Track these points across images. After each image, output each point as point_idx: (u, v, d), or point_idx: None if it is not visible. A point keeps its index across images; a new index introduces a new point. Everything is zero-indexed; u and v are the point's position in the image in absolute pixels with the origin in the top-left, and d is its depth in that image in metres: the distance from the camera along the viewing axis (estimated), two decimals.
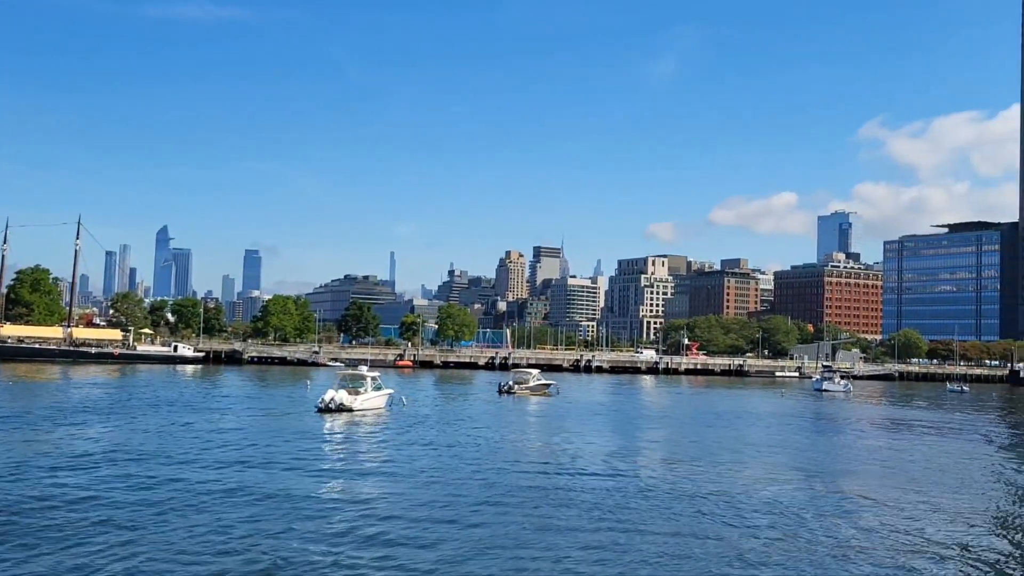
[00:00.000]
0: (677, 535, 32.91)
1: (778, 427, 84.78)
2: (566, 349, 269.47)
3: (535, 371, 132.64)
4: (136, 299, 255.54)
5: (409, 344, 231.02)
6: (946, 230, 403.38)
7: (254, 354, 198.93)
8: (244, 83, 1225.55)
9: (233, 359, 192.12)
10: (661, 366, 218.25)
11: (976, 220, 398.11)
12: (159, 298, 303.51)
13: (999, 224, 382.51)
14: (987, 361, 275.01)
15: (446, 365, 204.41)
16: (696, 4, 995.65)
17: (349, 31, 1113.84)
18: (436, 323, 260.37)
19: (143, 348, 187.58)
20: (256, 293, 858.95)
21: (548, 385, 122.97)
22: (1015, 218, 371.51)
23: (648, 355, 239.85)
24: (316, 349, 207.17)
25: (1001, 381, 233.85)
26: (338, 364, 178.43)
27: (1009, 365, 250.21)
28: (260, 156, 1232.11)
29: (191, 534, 30.48)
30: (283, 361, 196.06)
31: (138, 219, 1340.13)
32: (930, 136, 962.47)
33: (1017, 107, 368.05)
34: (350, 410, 77.26)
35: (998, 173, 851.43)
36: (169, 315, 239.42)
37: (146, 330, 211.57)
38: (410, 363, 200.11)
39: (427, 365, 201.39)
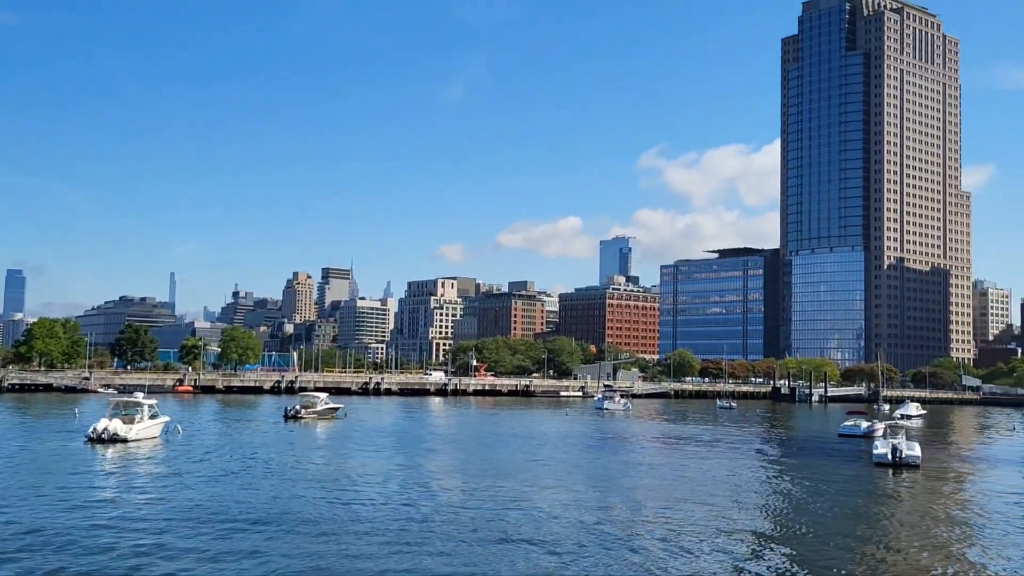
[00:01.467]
0: (463, 556, 33.20)
1: (563, 446, 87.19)
2: (355, 372, 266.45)
3: (323, 395, 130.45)
4: None
5: (189, 368, 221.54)
6: (716, 255, 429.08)
7: (15, 381, 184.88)
8: (4, 89, 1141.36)
9: None
10: (450, 387, 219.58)
11: (743, 247, 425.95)
12: None
13: (763, 250, 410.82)
14: (753, 378, 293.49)
15: (229, 390, 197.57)
16: (484, 30, 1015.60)
17: (127, 42, 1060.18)
18: (219, 346, 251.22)
19: None
20: (19, 316, 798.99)
21: (336, 409, 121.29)
22: (777, 245, 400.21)
23: (437, 376, 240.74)
24: (86, 375, 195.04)
25: (765, 397, 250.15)
26: (111, 391, 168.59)
27: (772, 382, 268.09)
28: (23, 169, 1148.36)
29: None
30: (49, 388, 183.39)
31: None
32: (703, 167, 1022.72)
33: (778, 143, 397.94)
34: (124, 440, 73.29)
35: (763, 203, 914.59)
36: None
37: None
38: (190, 388, 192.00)
39: (209, 390, 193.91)
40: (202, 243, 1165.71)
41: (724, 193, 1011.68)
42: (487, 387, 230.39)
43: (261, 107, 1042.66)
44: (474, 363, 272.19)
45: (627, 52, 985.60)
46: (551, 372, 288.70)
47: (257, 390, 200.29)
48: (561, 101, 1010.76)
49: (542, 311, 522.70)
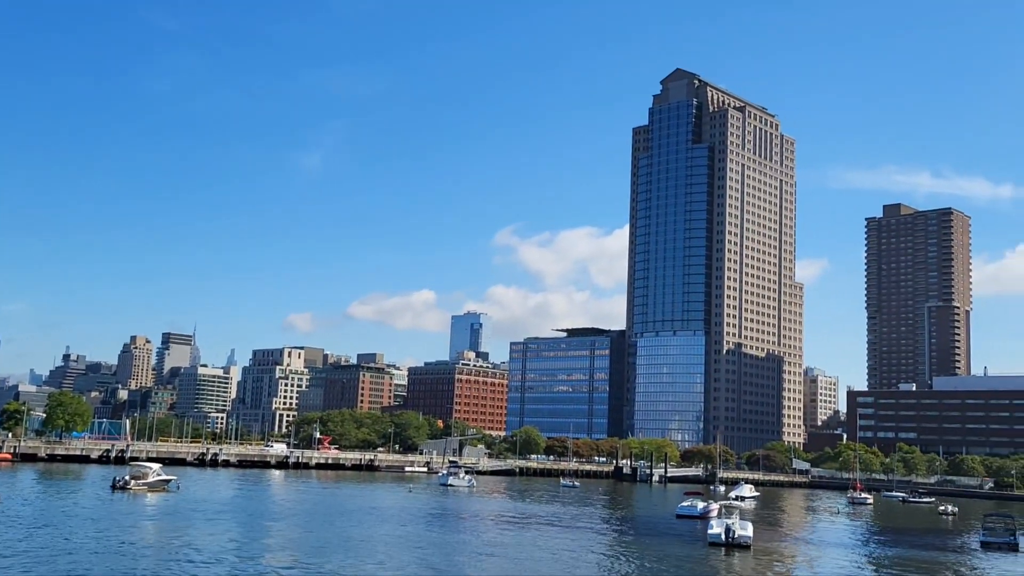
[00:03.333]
0: None
1: (404, 522, 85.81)
2: (192, 442, 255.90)
3: (155, 465, 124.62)
4: None
5: (9, 435, 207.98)
6: (565, 334, 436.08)
7: None
8: None
9: None
10: (292, 460, 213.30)
11: (591, 327, 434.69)
12: None
13: (610, 331, 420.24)
14: (597, 457, 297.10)
15: (53, 458, 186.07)
16: (345, 102, 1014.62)
17: None
18: (45, 412, 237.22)
19: None
20: None
21: (168, 481, 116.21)
22: (623, 326, 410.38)
23: (279, 449, 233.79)
24: None
25: (608, 476, 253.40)
26: None
27: (615, 461, 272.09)
28: None
29: None
30: None
31: None
32: (556, 246, 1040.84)
33: (627, 228, 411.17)
34: None
35: (612, 285, 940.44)
36: None
37: None
38: (9, 456, 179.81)
39: (30, 459, 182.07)
40: (32, 303, 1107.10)
41: (576, 273, 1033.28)
42: (330, 461, 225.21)
43: (106, 166, 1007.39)
44: (318, 435, 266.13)
45: (486, 131, 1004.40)
46: (397, 447, 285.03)
47: (84, 459, 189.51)
48: (420, 176, 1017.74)
49: (390, 384, 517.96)
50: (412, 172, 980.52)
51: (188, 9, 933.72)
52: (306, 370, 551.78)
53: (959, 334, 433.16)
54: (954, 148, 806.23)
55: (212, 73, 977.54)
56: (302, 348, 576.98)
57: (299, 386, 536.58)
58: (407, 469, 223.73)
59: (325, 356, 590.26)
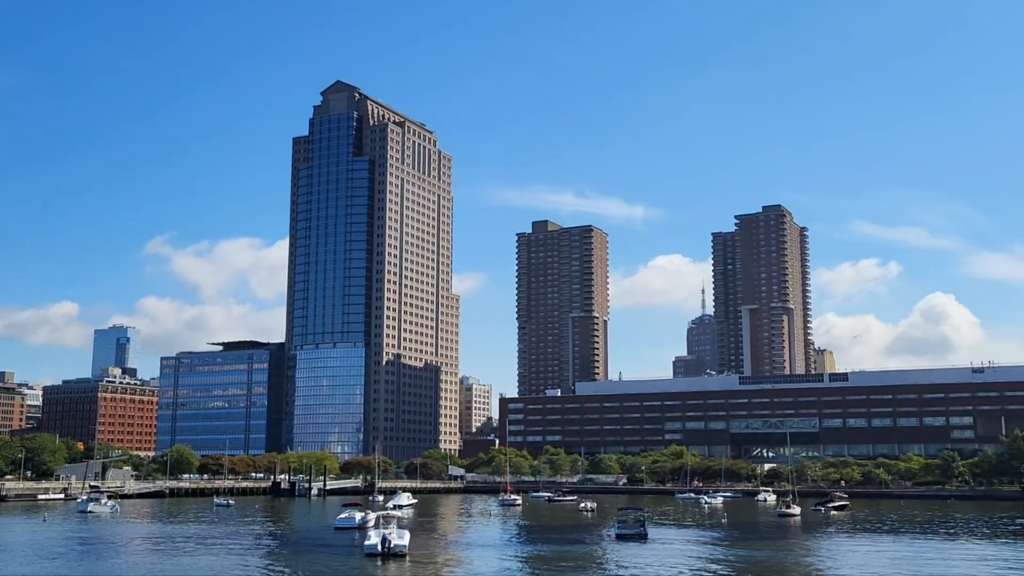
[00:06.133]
0: None
1: (34, 557, 78.36)
2: None
3: None
4: None
5: None
6: (221, 348, 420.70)
7: None
8: None
9: None
10: None
11: (249, 340, 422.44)
12: None
13: (269, 344, 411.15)
14: (254, 474, 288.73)
15: None
16: None
17: None
18: None
19: None
20: None
21: None
22: (283, 339, 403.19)
23: None
24: None
25: (265, 493, 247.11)
26: None
27: (273, 477, 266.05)
28: None
29: None
30: None
31: None
32: (215, 257, 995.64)
33: (287, 240, 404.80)
34: None
35: (272, 297, 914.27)
36: None
37: None
38: None
39: None
40: None
41: (235, 285, 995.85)
42: None
43: None
44: None
45: (135, 135, 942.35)
46: (29, 474, 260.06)
47: None
48: (59, 179, 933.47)
49: (22, 405, 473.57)
50: (50, 174, 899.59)
51: None
52: None
53: (599, 342, 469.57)
54: (595, 170, 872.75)
55: None
56: None
57: None
58: (40, 497, 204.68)
59: None
